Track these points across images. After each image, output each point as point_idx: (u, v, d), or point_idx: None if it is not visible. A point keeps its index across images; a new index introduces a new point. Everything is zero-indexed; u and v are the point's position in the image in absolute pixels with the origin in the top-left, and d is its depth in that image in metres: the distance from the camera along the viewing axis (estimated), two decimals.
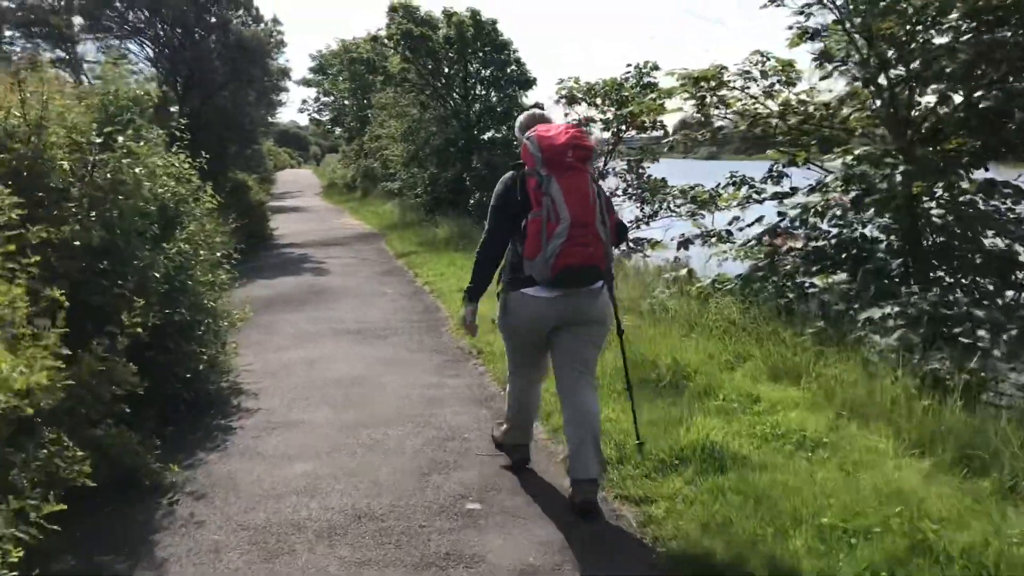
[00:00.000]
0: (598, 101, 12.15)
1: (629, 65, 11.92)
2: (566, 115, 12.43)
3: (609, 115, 11.90)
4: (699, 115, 7.36)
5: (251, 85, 16.26)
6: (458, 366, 6.23)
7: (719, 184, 7.67)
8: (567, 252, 3.37)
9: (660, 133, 13.04)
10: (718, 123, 7.50)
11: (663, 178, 12.26)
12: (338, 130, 41.12)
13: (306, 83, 41.50)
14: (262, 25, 16.52)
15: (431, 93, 17.89)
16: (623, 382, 5.27)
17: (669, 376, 5.30)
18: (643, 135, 12.07)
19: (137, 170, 4.47)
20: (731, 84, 6.98)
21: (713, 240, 7.30)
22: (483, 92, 17.96)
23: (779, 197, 7.35)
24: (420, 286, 10.19)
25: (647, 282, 8.15)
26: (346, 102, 34.86)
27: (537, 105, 18.83)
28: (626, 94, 11.46)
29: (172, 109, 16.09)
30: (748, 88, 6.98)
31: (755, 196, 7.66)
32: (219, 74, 15.08)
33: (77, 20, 13.78)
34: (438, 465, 4.19)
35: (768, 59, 6.86)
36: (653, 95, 7.78)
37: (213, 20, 15.19)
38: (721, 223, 12.89)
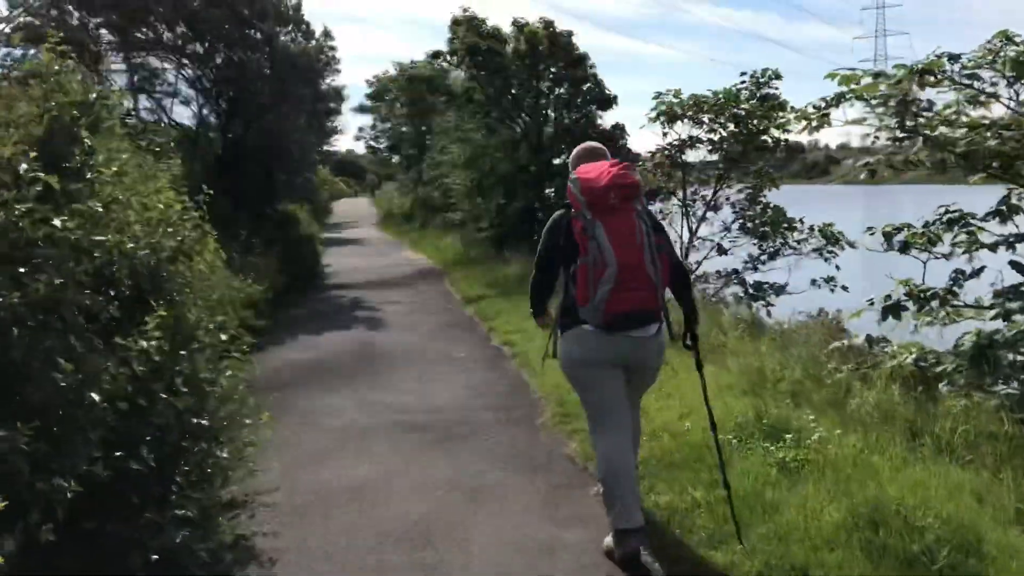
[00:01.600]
0: (705, 118, 10.07)
1: (744, 74, 9.84)
2: (664, 134, 10.39)
3: (722, 133, 9.80)
4: (895, 128, 5.26)
5: (300, 107, 14.60)
6: (576, 498, 4.19)
7: (929, 222, 5.53)
8: (616, 299, 3.29)
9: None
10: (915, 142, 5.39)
11: (782, 208, 10.12)
12: (395, 158, 39.87)
13: (362, 110, 40.36)
14: (313, 42, 14.89)
15: (498, 115, 16.04)
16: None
17: (945, 553, 3.17)
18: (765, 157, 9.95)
19: (60, 221, 2.58)
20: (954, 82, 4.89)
21: (933, 303, 5.12)
22: (556, 113, 16.03)
23: (1014, 241, 5.18)
24: (498, 347, 8.20)
25: (813, 353, 6.01)
26: (404, 128, 33.48)
27: (616, 127, 16.86)
28: (745, 107, 9.36)
29: (211, 136, 14.61)
30: (993, 85, 4.87)
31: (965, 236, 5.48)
32: (264, 95, 13.45)
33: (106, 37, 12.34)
34: None
35: (1016, 43, 4.73)
36: (823, 102, 5.75)
37: (258, 36, 13.60)
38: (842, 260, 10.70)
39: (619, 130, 15.87)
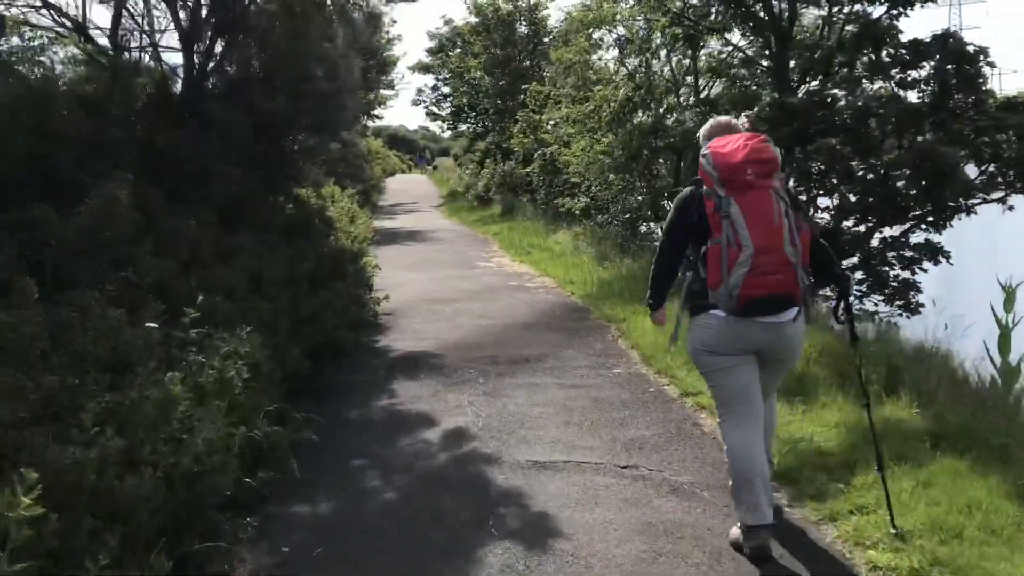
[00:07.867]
0: None
1: None
2: None
3: None
4: None
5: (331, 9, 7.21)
6: None
7: None
8: (753, 283, 3.05)
9: None
10: None
11: None
12: (462, 127, 32.58)
13: (423, 68, 33.08)
14: None
15: (720, 15, 8.50)
16: None
17: None
18: None
19: None
20: None
21: None
22: (828, 10, 8.41)
23: None
24: None
25: None
26: (476, 80, 26.03)
27: (953, 38, 9.26)
28: None
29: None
30: None
31: None
32: None
33: None
34: None
35: None
36: None
37: None
38: None
39: (967, 53, 8.16)
